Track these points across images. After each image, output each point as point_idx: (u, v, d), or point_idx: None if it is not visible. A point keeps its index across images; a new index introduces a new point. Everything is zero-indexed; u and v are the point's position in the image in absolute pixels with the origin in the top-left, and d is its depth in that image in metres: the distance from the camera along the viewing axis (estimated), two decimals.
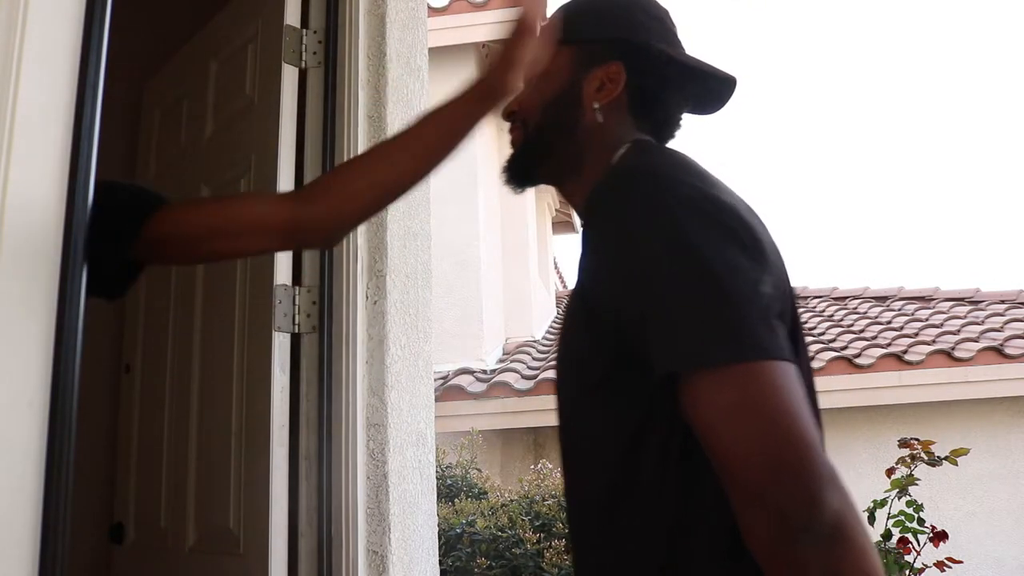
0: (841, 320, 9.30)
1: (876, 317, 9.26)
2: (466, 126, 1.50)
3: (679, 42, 1.41)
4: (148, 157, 3.14)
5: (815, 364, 7.11)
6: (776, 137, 46.34)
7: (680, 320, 1.03)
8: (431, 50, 2.88)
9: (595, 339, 1.16)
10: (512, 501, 4.66)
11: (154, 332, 2.88)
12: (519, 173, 1.44)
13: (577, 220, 13.44)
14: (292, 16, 2.47)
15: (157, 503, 2.68)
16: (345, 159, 2.41)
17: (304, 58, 2.48)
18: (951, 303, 9.60)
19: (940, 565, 3.87)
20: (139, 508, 2.81)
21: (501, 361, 8.21)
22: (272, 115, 2.40)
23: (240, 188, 2.52)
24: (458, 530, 4.36)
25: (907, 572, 3.92)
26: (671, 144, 1.40)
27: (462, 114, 1.49)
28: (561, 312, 11.62)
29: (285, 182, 2.35)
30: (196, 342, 2.63)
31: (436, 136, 1.50)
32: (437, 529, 2.56)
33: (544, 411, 7.24)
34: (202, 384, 2.58)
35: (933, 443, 4.05)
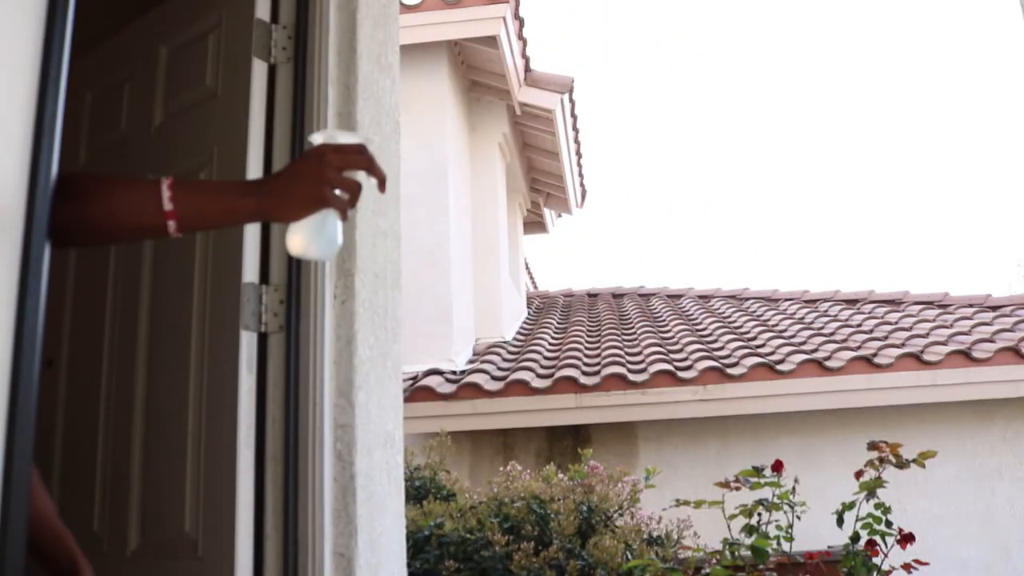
0: (812, 323, 9.34)
1: (846, 320, 9.31)
2: (224, 221, 1.56)
3: None
4: (77, 140, 2.96)
5: (786, 366, 7.16)
6: (747, 141, 46.67)
7: None
8: (403, 47, 2.86)
9: None
10: (481, 503, 4.63)
11: (84, 326, 2.78)
12: None
13: (549, 220, 13.36)
14: (262, 10, 2.44)
15: (87, 506, 2.58)
16: None
17: (274, 53, 2.44)
18: (920, 307, 9.67)
19: (907, 567, 3.88)
20: (62, 512, 2.68)
21: (471, 362, 8.18)
22: (240, 109, 2.37)
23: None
24: (426, 532, 4.32)
25: (875, 574, 3.93)
26: None
27: (229, 209, 1.49)
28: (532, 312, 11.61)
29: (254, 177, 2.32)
30: (141, 337, 2.55)
31: (194, 214, 1.45)
32: (405, 531, 2.54)
33: (514, 413, 7.22)
34: (149, 381, 2.51)
35: (901, 445, 4.06)
